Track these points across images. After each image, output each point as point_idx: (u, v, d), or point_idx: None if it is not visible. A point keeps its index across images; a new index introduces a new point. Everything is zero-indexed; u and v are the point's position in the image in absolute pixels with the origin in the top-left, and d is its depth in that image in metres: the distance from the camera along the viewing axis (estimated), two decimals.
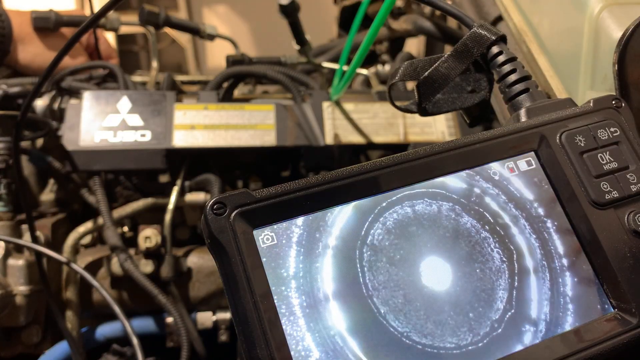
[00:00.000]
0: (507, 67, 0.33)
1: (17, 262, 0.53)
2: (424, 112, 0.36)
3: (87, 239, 0.63)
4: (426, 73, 0.34)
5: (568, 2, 0.41)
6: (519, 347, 0.26)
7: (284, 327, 0.24)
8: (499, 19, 0.52)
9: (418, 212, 0.27)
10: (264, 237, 0.25)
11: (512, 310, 0.27)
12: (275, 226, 0.26)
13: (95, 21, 0.36)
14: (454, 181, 0.28)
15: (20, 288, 0.53)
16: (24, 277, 0.53)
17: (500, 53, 0.33)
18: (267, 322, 0.24)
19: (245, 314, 0.24)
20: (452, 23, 0.71)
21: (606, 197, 0.29)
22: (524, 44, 0.47)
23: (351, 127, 0.61)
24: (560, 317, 0.27)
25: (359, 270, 0.26)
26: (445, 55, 0.34)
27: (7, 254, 0.53)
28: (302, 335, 0.24)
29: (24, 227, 0.57)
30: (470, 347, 0.26)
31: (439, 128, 0.62)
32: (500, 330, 0.26)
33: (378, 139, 0.61)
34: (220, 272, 0.25)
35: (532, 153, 0.30)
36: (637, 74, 0.32)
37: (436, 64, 0.34)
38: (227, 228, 0.25)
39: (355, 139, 0.61)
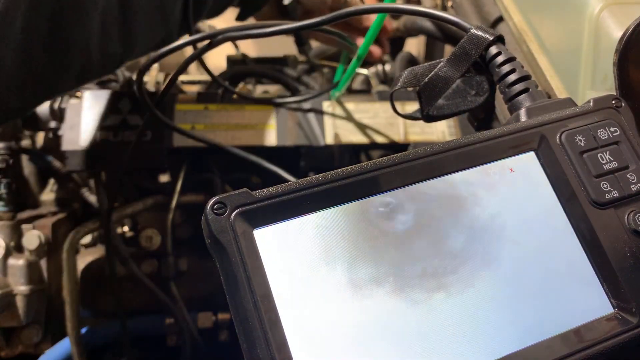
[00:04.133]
0: (506, 67, 0.33)
1: (17, 262, 0.53)
2: (428, 118, 0.36)
3: (87, 239, 0.63)
4: (426, 79, 0.34)
5: (568, 2, 0.41)
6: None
7: (284, 327, 0.24)
8: (500, 19, 0.52)
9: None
10: (265, 236, 0.25)
11: None
12: (275, 226, 0.25)
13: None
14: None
15: (20, 288, 0.53)
16: (24, 277, 0.53)
17: (498, 54, 0.33)
18: (268, 323, 0.24)
19: (245, 315, 0.24)
20: None
21: (606, 197, 0.29)
22: (524, 44, 0.47)
23: (351, 127, 0.61)
24: (561, 316, 0.27)
25: None
26: (444, 60, 0.34)
27: (7, 254, 0.53)
28: (304, 336, 0.24)
29: (25, 226, 0.57)
30: None
31: (439, 128, 0.62)
32: None
33: (378, 139, 0.61)
34: (221, 272, 0.25)
35: (532, 153, 0.30)
36: (638, 73, 0.32)
37: (435, 69, 0.34)
38: (228, 228, 0.24)
39: (356, 138, 0.61)
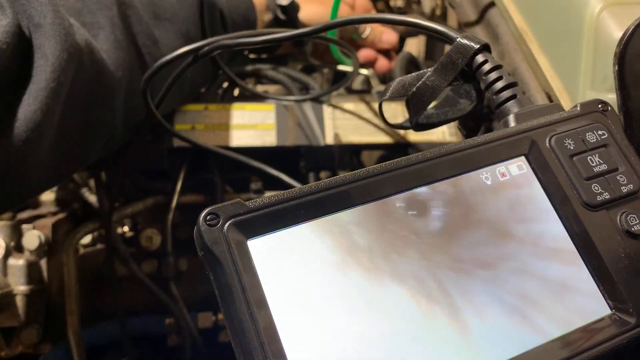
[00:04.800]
0: (492, 75, 0.33)
1: (17, 262, 0.53)
2: (417, 127, 0.37)
3: (87, 239, 0.63)
4: (414, 88, 0.35)
5: (568, 2, 0.41)
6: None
7: (282, 338, 0.24)
8: (492, 4, 0.52)
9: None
10: (259, 247, 0.25)
11: None
12: (269, 236, 0.25)
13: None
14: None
15: (20, 288, 0.53)
16: (24, 277, 0.53)
17: (485, 62, 0.33)
18: (265, 334, 0.23)
19: (242, 326, 0.24)
20: (452, 23, 0.71)
21: (598, 199, 0.29)
22: (524, 44, 0.47)
23: (351, 127, 0.61)
24: (559, 320, 0.27)
25: None
26: (432, 69, 0.34)
27: (7, 254, 0.53)
28: (302, 347, 0.24)
29: (25, 226, 0.57)
30: None
31: (439, 128, 0.62)
32: None
33: (378, 138, 0.61)
34: (214, 284, 0.25)
35: (523, 157, 0.30)
36: (638, 74, 0.32)
37: (423, 79, 0.34)
38: (221, 239, 0.24)
39: (356, 138, 0.61)
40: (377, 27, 0.70)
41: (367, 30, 0.68)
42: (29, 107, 0.37)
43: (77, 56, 0.40)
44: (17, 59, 0.37)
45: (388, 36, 0.70)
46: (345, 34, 0.67)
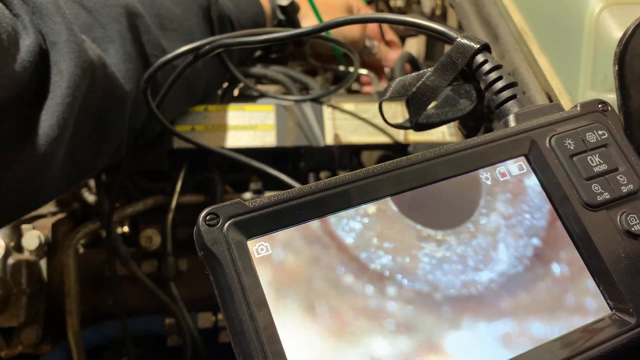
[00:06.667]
0: (493, 75, 0.33)
1: (17, 262, 0.53)
2: (417, 127, 0.37)
3: (87, 239, 0.63)
4: (414, 88, 0.35)
5: (568, 2, 0.41)
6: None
7: (281, 338, 0.24)
8: (492, 4, 0.52)
9: None
10: (258, 247, 0.25)
11: None
12: (269, 236, 0.25)
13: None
14: None
15: (20, 288, 0.53)
16: (24, 277, 0.53)
17: (485, 62, 0.33)
18: (265, 334, 0.23)
19: (241, 326, 0.23)
20: (452, 23, 0.71)
21: (598, 199, 0.29)
22: (524, 44, 0.47)
23: (351, 127, 0.61)
24: (559, 320, 0.27)
25: None
26: (431, 70, 0.34)
27: (7, 254, 0.53)
28: (302, 347, 0.24)
29: (24, 226, 0.57)
30: None
31: (439, 128, 0.62)
32: None
33: (378, 139, 0.61)
34: (214, 284, 0.25)
35: (523, 157, 0.30)
36: (638, 74, 0.32)
37: (423, 79, 0.34)
38: (221, 239, 0.24)
39: (356, 139, 0.61)
40: (383, 46, 0.71)
41: (375, 47, 0.70)
42: (46, 122, 0.38)
43: (90, 71, 0.41)
44: (36, 75, 0.38)
45: (395, 55, 0.71)
46: (355, 47, 0.67)
